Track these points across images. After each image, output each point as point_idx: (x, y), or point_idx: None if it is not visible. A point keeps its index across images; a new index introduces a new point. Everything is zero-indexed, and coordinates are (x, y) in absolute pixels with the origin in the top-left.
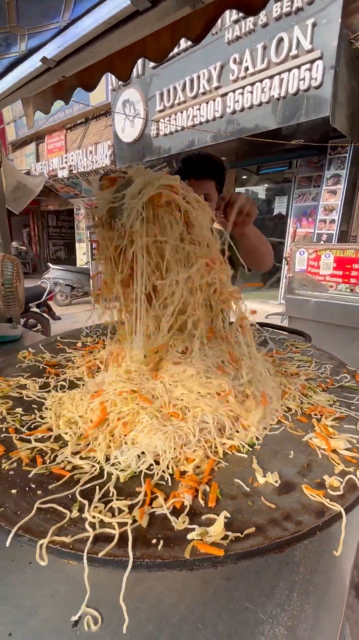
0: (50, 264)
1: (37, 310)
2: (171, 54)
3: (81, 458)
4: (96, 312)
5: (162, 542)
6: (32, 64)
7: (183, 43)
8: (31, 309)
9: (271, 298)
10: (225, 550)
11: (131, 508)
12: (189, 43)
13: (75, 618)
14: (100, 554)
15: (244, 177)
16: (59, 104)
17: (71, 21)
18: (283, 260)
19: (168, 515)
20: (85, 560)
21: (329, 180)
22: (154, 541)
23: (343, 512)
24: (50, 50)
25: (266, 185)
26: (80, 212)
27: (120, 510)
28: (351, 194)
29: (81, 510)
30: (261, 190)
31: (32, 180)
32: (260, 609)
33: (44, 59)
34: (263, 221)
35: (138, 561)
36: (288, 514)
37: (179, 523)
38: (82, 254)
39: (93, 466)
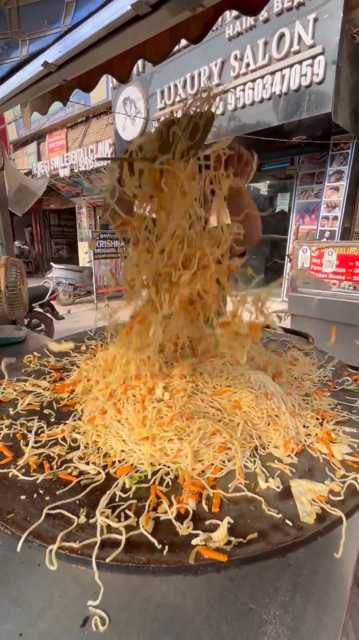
0: (52, 264)
1: (41, 310)
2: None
3: (87, 463)
4: (100, 313)
5: (167, 547)
6: (33, 69)
7: (184, 40)
8: (34, 309)
9: (274, 295)
10: (229, 555)
11: (137, 513)
12: None
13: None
14: (108, 560)
15: None
16: (59, 103)
17: (72, 26)
18: (286, 257)
19: (173, 521)
20: (94, 565)
21: (331, 176)
22: (159, 546)
23: (344, 517)
24: (52, 55)
25: (268, 182)
26: (82, 211)
27: (127, 516)
28: (354, 191)
29: (88, 515)
30: (263, 187)
31: (35, 182)
32: (264, 609)
33: (45, 64)
34: (266, 218)
35: (144, 566)
36: (289, 519)
37: (183, 529)
38: (84, 253)
39: (99, 472)
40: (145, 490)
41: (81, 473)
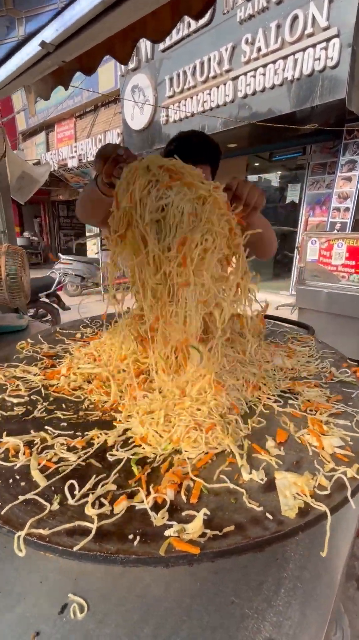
0: (60, 254)
1: (47, 300)
2: (181, 35)
3: (68, 450)
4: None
5: (138, 537)
6: (31, 49)
7: (194, 24)
8: (41, 299)
9: (282, 289)
10: (201, 548)
11: (112, 502)
12: (199, 24)
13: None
14: (75, 548)
15: (256, 164)
16: (67, 92)
17: (68, 3)
18: (295, 250)
19: (148, 511)
20: (61, 554)
21: (344, 166)
22: (131, 536)
23: (328, 513)
24: (49, 34)
25: (279, 172)
26: None
27: (101, 504)
28: None
29: (62, 502)
30: (274, 178)
31: (37, 169)
32: (246, 603)
33: (42, 43)
34: (276, 209)
35: (112, 556)
36: (270, 513)
37: (158, 519)
38: (92, 244)
39: (79, 457)
40: (124, 478)
41: (60, 460)
